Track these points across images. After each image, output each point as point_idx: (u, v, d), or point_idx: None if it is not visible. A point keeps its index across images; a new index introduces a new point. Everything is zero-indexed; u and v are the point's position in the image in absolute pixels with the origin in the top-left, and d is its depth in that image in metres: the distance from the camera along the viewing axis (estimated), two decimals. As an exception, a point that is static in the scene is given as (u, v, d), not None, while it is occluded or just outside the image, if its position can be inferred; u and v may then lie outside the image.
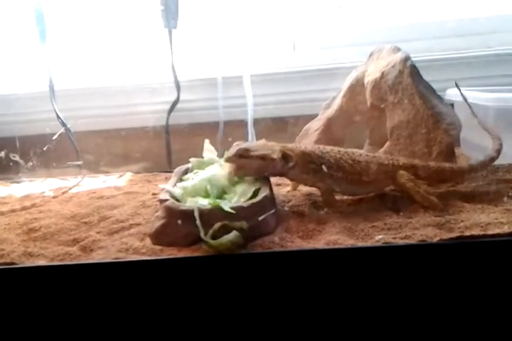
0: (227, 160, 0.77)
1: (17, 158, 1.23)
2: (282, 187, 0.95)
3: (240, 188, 0.76)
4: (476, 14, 1.29)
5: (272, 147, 0.78)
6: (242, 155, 0.76)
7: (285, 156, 0.78)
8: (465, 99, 0.88)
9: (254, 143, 0.81)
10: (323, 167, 0.78)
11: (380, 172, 0.79)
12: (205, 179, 0.78)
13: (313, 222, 0.74)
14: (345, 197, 0.86)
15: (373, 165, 0.79)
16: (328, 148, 0.80)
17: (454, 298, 0.64)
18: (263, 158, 0.76)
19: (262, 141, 0.81)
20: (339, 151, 0.80)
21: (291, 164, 0.78)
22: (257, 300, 0.65)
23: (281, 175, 0.81)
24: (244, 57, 1.27)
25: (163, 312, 0.65)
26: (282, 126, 1.26)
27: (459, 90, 0.89)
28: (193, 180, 0.80)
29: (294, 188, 0.92)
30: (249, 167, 0.77)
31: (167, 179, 1.01)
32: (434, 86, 0.88)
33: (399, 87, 0.89)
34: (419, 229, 0.68)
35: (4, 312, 0.66)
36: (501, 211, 0.72)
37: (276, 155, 0.76)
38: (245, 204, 0.69)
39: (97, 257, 0.67)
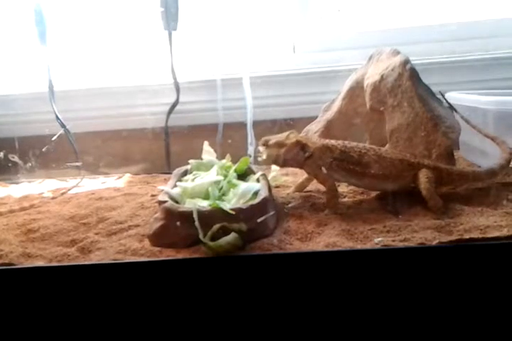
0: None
1: (16, 158, 1.23)
2: (282, 189, 0.95)
3: (238, 190, 0.76)
4: (476, 18, 1.29)
5: (291, 137, 0.81)
6: (263, 144, 0.82)
7: (302, 146, 0.80)
8: (452, 108, 0.89)
9: (280, 135, 0.83)
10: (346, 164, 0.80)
11: (404, 170, 0.80)
12: (206, 182, 0.78)
13: (313, 224, 0.74)
14: (346, 199, 0.86)
15: (398, 163, 0.80)
16: (353, 143, 0.82)
17: (453, 302, 0.64)
18: (278, 145, 0.81)
19: (287, 133, 0.82)
20: (364, 147, 0.81)
21: (307, 154, 0.80)
22: (255, 302, 0.65)
23: (299, 166, 0.83)
24: (244, 59, 1.27)
25: (162, 314, 0.65)
26: (282, 128, 1.26)
27: (444, 98, 0.89)
28: (194, 182, 0.80)
29: (296, 190, 0.92)
30: (270, 155, 0.81)
31: (166, 180, 1.01)
32: (434, 89, 0.89)
33: (398, 89, 0.89)
34: (419, 231, 0.68)
35: (3, 313, 0.66)
36: (501, 214, 0.72)
37: (288, 142, 0.80)
38: (244, 206, 0.69)
39: (95, 258, 0.67)
